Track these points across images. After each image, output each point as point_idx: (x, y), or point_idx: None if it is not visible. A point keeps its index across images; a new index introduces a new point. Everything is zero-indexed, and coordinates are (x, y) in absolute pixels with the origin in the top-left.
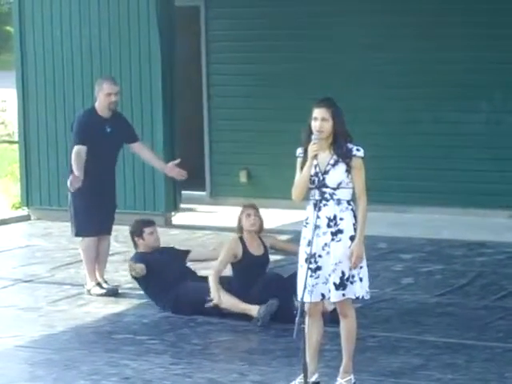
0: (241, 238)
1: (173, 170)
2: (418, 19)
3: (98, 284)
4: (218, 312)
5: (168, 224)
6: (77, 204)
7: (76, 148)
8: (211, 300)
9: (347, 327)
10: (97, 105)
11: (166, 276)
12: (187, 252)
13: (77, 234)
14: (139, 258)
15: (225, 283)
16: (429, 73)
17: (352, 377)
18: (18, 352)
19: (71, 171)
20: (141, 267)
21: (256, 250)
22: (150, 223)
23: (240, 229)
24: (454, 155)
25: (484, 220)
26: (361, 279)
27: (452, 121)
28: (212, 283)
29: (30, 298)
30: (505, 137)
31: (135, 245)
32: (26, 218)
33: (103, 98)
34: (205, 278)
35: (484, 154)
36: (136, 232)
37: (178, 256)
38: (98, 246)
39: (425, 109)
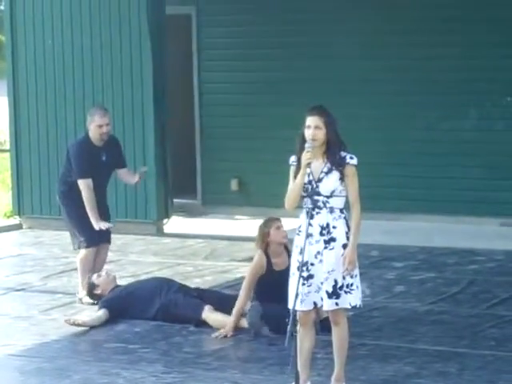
0: (265, 253)
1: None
2: (408, 27)
3: None
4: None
5: (160, 232)
6: (74, 217)
7: (83, 185)
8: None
9: (339, 336)
10: (90, 134)
11: (139, 304)
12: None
13: (78, 247)
14: (104, 304)
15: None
16: (420, 80)
17: None
18: (10, 361)
19: (68, 191)
20: (98, 317)
21: (280, 264)
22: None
23: (264, 243)
24: (446, 163)
25: (476, 228)
26: (357, 287)
27: (444, 128)
28: (234, 314)
29: (21, 307)
30: (496, 144)
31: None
32: (18, 227)
33: (94, 130)
34: (195, 290)
35: (476, 162)
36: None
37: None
38: (96, 256)
39: (417, 116)
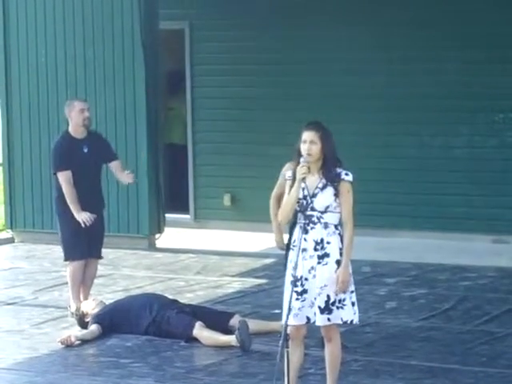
0: None
1: (126, 176)
2: (400, 43)
3: None
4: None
5: (152, 247)
6: (64, 228)
7: (61, 177)
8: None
9: (332, 351)
10: (70, 128)
11: (130, 319)
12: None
13: (65, 259)
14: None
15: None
16: (412, 97)
17: None
18: (2, 374)
19: (58, 198)
20: (91, 331)
21: None
22: None
23: None
24: (438, 179)
25: (468, 244)
26: (353, 303)
27: (436, 145)
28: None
29: (13, 321)
30: (487, 161)
31: None
32: (10, 241)
33: (77, 116)
34: (187, 306)
35: (468, 178)
36: None
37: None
38: (84, 269)
39: (409, 133)
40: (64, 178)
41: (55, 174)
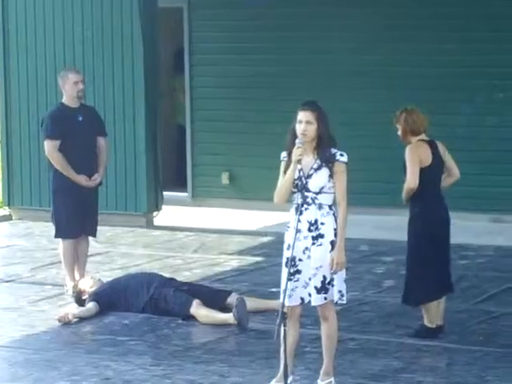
0: None
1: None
2: (400, 22)
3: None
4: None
5: (149, 225)
6: (59, 205)
7: (48, 145)
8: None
9: (328, 330)
10: (64, 99)
11: (127, 298)
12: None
13: (56, 236)
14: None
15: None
16: (411, 76)
17: (333, 379)
18: None
19: (55, 173)
20: (88, 309)
21: None
22: None
23: None
24: None
25: (466, 223)
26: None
27: (435, 123)
28: None
29: (10, 298)
30: (486, 139)
31: None
32: (8, 218)
33: (71, 88)
34: (185, 284)
35: (467, 157)
36: None
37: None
38: (76, 247)
39: None
40: (51, 146)
41: (44, 140)
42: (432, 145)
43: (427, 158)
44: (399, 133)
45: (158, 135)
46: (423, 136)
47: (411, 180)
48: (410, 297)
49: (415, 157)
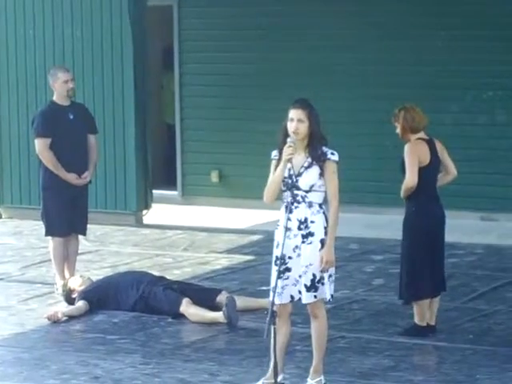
0: None
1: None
2: (391, 20)
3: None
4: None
5: (139, 223)
6: (49, 203)
7: (39, 144)
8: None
9: (318, 328)
10: (55, 97)
11: (117, 296)
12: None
13: (46, 234)
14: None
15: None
16: (400, 74)
17: (322, 378)
18: None
19: (45, 172)
20: (77, 308)
21: None
22: None
23: None
24: None
25: (456, 221)
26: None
27: None
28: None
29: (0, 297)
30: (475, 138)
31: None
32: None
33: (61, 86)
34: (175, 282)
35: (456, 156)
36: None
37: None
38: (66, 245)
39: None
40: (42, 144)
41: (35, 139)
42: (430, 143)
43: (426, 157)
44: (398, 131)
45: (148, 133)
46: (422, 134)
47: (410, 179)
48: (403, 293)
49: (414, 156)
